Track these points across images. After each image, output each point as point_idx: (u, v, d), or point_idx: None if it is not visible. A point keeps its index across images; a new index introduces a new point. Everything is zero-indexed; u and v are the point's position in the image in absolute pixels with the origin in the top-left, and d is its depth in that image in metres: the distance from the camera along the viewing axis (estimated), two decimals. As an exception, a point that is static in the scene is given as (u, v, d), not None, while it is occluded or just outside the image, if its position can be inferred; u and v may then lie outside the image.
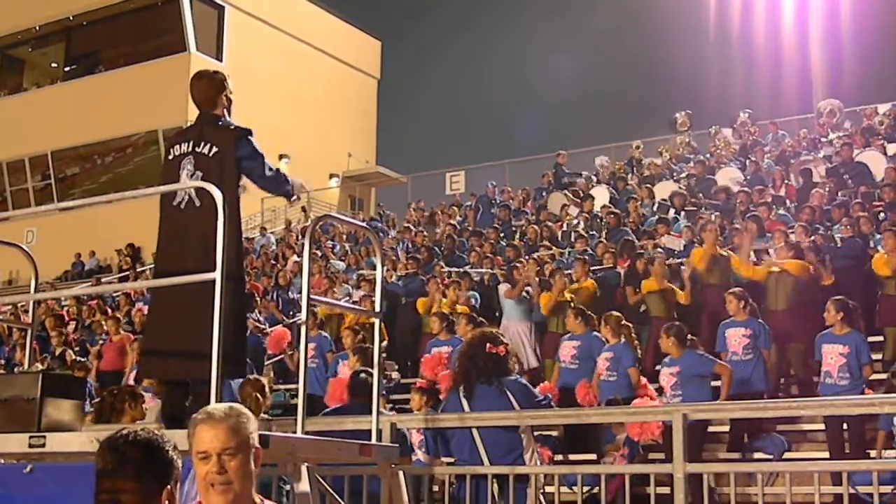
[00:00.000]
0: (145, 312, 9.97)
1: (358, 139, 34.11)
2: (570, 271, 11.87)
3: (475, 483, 5.70)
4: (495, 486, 5.63)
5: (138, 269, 22.43)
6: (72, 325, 16.07)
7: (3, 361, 15.24)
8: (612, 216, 14.85)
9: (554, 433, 8.83)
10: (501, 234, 17.12)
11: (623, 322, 9.19)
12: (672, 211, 15.37)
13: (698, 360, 8.43)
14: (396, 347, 12.53)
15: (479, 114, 56.62)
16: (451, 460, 6.35)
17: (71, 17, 30.93)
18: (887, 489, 6.78)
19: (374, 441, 4.84)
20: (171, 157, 4.74)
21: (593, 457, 8.45)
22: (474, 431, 5.75)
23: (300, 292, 5.71)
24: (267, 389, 7.40)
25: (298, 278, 14.93)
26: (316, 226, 5.12)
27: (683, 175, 18.71)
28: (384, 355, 9.57)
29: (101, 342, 13.61)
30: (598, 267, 12.23)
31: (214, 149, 4.60)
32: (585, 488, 6.40)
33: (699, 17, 31.64)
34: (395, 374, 10.68)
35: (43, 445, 4.05)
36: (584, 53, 48.44)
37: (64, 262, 26.88)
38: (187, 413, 3.87)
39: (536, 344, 11.22)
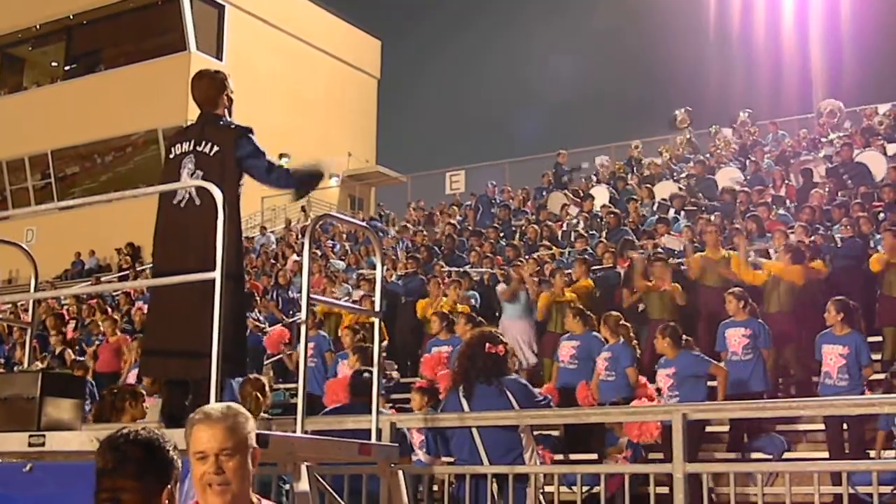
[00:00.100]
0: (145, 311, 9.96)
1: (358, 139, 34.11)
2: (570, 271, 11.87)
3: (475, 483, 5.70)
4: (495, 485, 5.63)
5: (138, 269, 22.42)
6: (71, 325, 16.07)
7: (2, 360, 15.24)
8: (612, 216, 14.86)
9: (553, 433, 8.83)
10: (501, 234, 17.13)
11: (621, 322, 9.19)
12: (672, 211, 15.37)
13: (694, 360, 8.44)
14: (396, 347, 12.54)
15: (479, 113, 56.69)
16: (451, 460, 6.35)
17: (71, 17, 30.94)
18: (887, 489, 6.78)
19: (373, 440, 4.84)
20: (171, 157, 4.75)
21: (593, 456, 8.45)
22: (474, 431, 5.75)
23: (300, 291, 5.72)
24: (267, 389, 7.41)
25: (298, 277, 14.94)
26: (316, 225, 5.12)
27: (683, 175, 18.72)
28: (384, 355, 9.57)
29: (97, 343, 13.58)
30: (599, 267, 12.23)
31: (215, 148, 4.61)
32: (585, 488, 6.40)
33: (699, 17, 31.67)
34: (394, 374, 10.69)
35: (43, 444, 4.05)
36: (584, 53, 48.48)
37: (64, 261, 26.89)
38: (187, 412, 3.87)
39: (533, 342, 11.20)
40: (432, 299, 12.20)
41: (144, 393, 6.59)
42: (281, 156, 26.45)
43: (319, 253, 17.85)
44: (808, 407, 6.53)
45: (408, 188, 29.56)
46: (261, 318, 13.45)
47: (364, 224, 10.06)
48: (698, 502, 5.58)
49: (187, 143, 4.68)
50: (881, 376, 8.75)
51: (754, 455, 8.35)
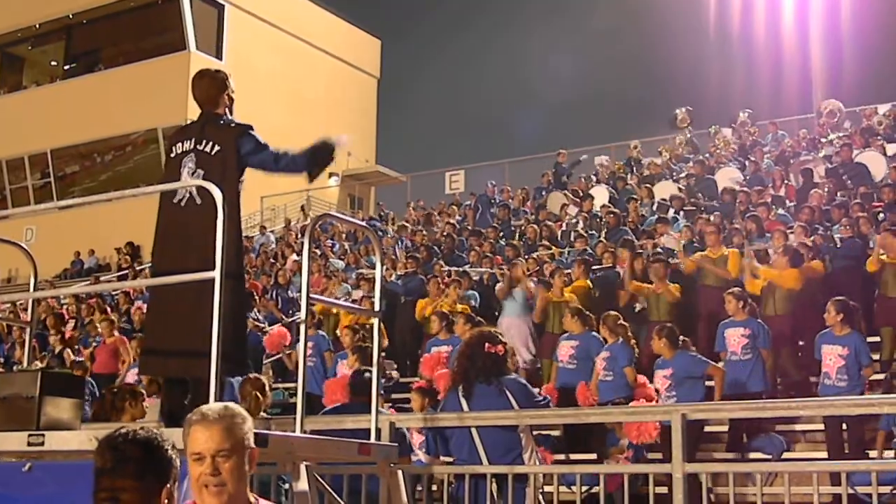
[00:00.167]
0: (145, 311, 9.96)
1: (358, 138, 34.10)
2: (569, 271, 11.87)
3: (474, 482, 5.70)
4: (494, 485, 5.63)
5: (137, 268, 22.42)
6: (71, 324, 16.06)
7: (2, 359, 15.25)
8: (611, 216, 14.86)
9: (553, 433, 8.83)
10: (501, 234, 17.13)
11: (620, 322, 9.19)
12: (672, 211, 15.37)
13: (691, 361, 8.44)
14: (396, 347, 12.53)
15: (478, 113, 56.66)
16: (450, 459, 6.35)
17: (71, 16, 30.93)
18: (886, 489, 6.78)
19: (373, 440, 4.84)
20: (172, 155, 4.75)
21: (592, 456, 8.45)
22: (473, 431, 5.75)
23: (299, 291, 5.72)
24: (267, 388, 7.41)
25: (298, 277, 14.94)
26: (315, 224, 5.12)
27: (683, 175, 18.73)
28: (383, 354, 9.57)
29: (94, 345, 13.56)
30: (599, 267, 12.23)
31: (216, 147, 4.61)
32: (584, 488, 6.40)
33: (699, 16, 31.66)
34: (394, 374, 10.69)
35: (42, 444, 4.05)
36: (584, 53, 48.47)
37: (63, 260, 26.89)
38: (186, 411, 3.87)
39: (529, 341, 11.19)
40: (431, 299, 12.20)
41: (144, 392, 6.60)
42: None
43: (319, 252, 17.85)
44: (808, 407, 6.53)
45: (407, 188, 29.57)
46: (260, 317, 13.44)
47: (364, 224, 10.06)
48: (697, 502, 5.58)
49: (188, 143, 4.68)
50: (881, 376, 8.75)
51: (753, 455, 8.35)
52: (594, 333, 9.46)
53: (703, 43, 34.31)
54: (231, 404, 2.85)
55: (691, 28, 35.10)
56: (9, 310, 15.70)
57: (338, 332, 11.94)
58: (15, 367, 12.34)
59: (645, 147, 22.12)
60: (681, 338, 8.62)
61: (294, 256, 18.25)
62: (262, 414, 7.12)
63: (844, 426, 7.93)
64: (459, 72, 57.04)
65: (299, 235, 20.10)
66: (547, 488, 6.05)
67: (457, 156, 61.15)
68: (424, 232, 18.86)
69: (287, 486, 5.20)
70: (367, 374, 6.48)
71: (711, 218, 13.38)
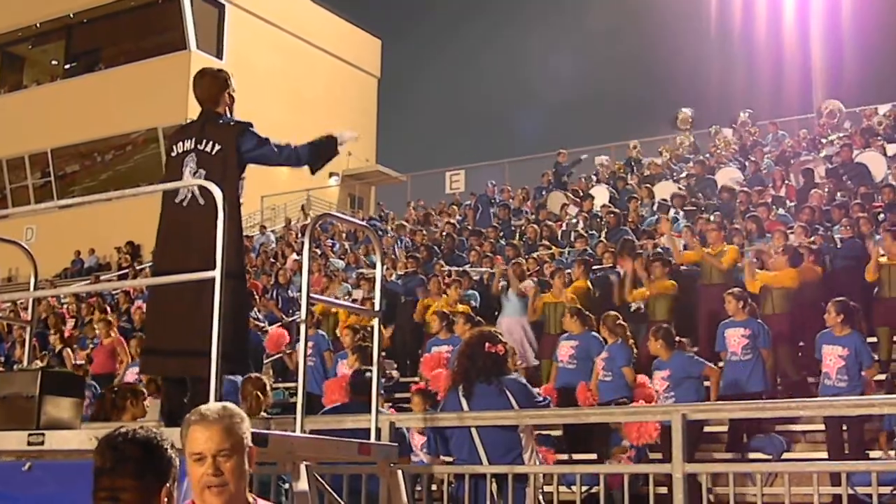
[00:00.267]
0: (145, 310, 9.96)
1: (358, 137, 34.05)
2: (569, 271, 11.87)
3: (474, 482, 5.69)
4: (494, 485, 5.63)
5: (137, 267, 22.43)
6: (70, 323, 16.06)
7: (2, 359, 15.25)
8: (611, 216, 14.85)
9: (554, 433, 8.83)
10: (501, 234, 17.12)
11: (619, 322, 9.19)
12: (672, 211, 15.37)
13: (688, 361, 8.45)
14: (396, 346, 12.53)
15: (478, 113, 56.68)
16: (450, 459, 6.35)
17: (71, 15, 30.93)
18: (886, 490, 6.78)
19: (373, 440, 4.83)
20: (173, 155, 4.75)
21: (593, 456, 8.45)
22: (473, 431, 5.75)
23: (300, 290, 5.71)
24: (268, 388, 7.41)
25: (298, 276, 14.93)
26: (315, 224, 5.12)
27: (683, 175, 18.72)
28: (383, 354, 9.57)
29: (91, 346, 13.54)
30: (599, 267, 12.23)
31: (217, 146, 4.62)
32: (584, 488, 6.40)
33: (700, 16, 31.69)
34: (394, 373, 10.69)
35: (42, 443, 4.04)
36: (583, 53, 48.51)
37: (63, 259, 26.88)
38: (186, 411, 3.87)
39: (525, 341, 11.18)
40: (431, 300, 12.20)
41: (145, 392, 6.60)
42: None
43: (319, 252, 17.85)
44: (808, 407, 6.53)
45: (408, 187, 29.57)
46: (260, 316, 13.45)
47: (364, 223, 10.06)
48: (697, 502, 5.58)
49: (188, 142, 4.69)
50: (881, 377, 8.74)
51: (753, 455, 8.35)
52: (594, 333, 9.46)
53: (704, 43, 34.35)
54: (229, 404, 2.85)
55: (692, 28, 35.14)
56: (9, 309, 15.71)
57: (338, 332, 11.95)
58: (15, 367, 12.33)
59: (645, 147, 22.11)
60: (677, 338, 8.62)
61: (294, 256, 18.25)
62: (262, 413, 7.12)
63: (844, 426, 7.93)
64: (459, 71, 57.10)
65: (299, 235, 20.11)
66: (547, 488, 6.05)
67: (457, 155, 61.18)
68: (424, 231, 18.86)
69: (287, 485, 5.20)
70: (367, 374, 6.48)
71: (712, 218, 13.38)
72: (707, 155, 19.96)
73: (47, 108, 29.86)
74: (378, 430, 4.97)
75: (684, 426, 5.35)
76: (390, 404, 9.19)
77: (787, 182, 16.10)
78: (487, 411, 5.71)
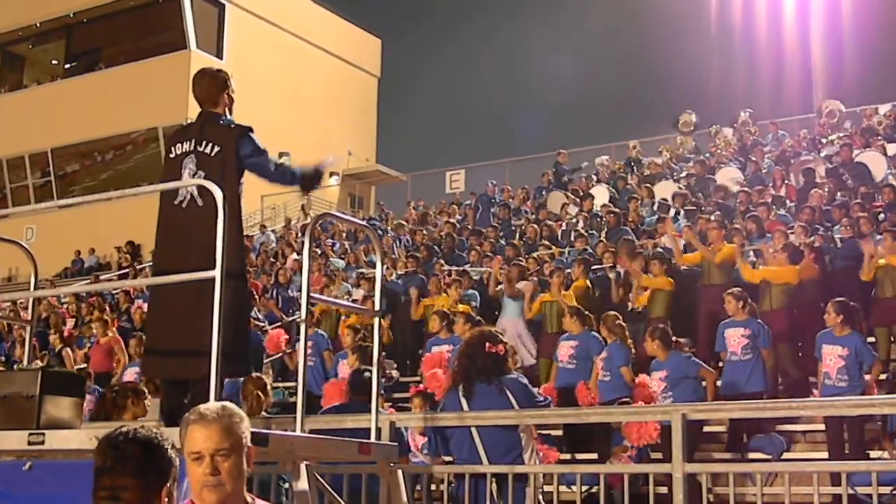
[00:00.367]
0: (145, 310, 9.96)
1: (358, 137, 34.09)
2: (569, 271, 11.87)
3: (474, 482, 5.69)
4: (494, 485, 5.63)
5: (137, 267, 22.43)
6: (71, 323, 16.06)
7: (2, 358, 15.25)
8: (611, 215, 14.86)
9: (554, 433, 8.82)
10: (501, 234, 17.12)
11: (618, 322, 9.19)
12: (672, 211, 15.37)
13: (684, 361, 8.45)
14: (396, 346, 12.54)
15: (479, 112, 56.69)
16: (450, 459, 6.35)
17: (71, 15, 30.93)
18: (886, 490, 6.78)
19: (373, 440, 4.83)
20: (172, 156, 4.75)
21: (593, 456, 8.45)
22: (473, 431, 5.74)
23: (300, 290, 5.71)
24: (268, 388, 7.41)
25: (298, 276, 14.93)
26: (316, 224, 5.12)
27: (683, 175, 18.72)
28: (383, 354, 9.58)
29: (88, 346, 13.53)
30: (599, 266, 12.23)
31: (216, 148, 4.61)
32: (584, 487, 6.40)
33: (700, 16, 31.69)
34: (394, 373, 10.69)
35: (42, 443, 4.05)
36: (584, 53, 48.50)
37: (63, 259, 26.89)
38: (186, 411, 3.87)
39: (519, 341, 11.17)
40: (432, 298, 12.20)
41: (146, 391, 6.60)
42: (281, 154, 26.40)
43: (319, 251, 17.84)
44: (808, 407, 6.54)
45: (408, 187, 29.58)
46: (260, 316, 13.44)
47: (364, 223, 10.06)
48: (697, 502, 5.58)
49: (188, 143, 4.68)
50: (883, 376, 8.73)
51: (753, 455, 8.35)
52: (594, 333, 9.46)
53: (704, 42, 34.36)
54: (228, 404, 2.85)
55: (692, 27, 35.14)
56: (9, 308, 15.71)
57: (339, 331, 11.95)
58: (15, 366, 12.33)
59: (645, 147, 22.10)
60: (674, 339, 8.62)
61: (294, 255, 18.25)
62: (262, 413, 7.12)
63: (845, 426, 7.92)
64: (459, 71, 57.10)
65: (300, 234, 20.10)
66: (547, 488, 6.05)
67: (457, 155, 61.20)
68: (424, 231, 18.86)
69: (287, 485, 5.20)
70: (366, 374, 6.48)
71: (712, 217, 13.37)
72: (707, 155, 19.95)
73: (47, 108, 29.86)
74: (378, 430, 4.97)
75: (684, 426, 5.35)
76: (390, 404, 9.19)
77: (787, 182, 16.10)
78: (488, 411, 5.71)
